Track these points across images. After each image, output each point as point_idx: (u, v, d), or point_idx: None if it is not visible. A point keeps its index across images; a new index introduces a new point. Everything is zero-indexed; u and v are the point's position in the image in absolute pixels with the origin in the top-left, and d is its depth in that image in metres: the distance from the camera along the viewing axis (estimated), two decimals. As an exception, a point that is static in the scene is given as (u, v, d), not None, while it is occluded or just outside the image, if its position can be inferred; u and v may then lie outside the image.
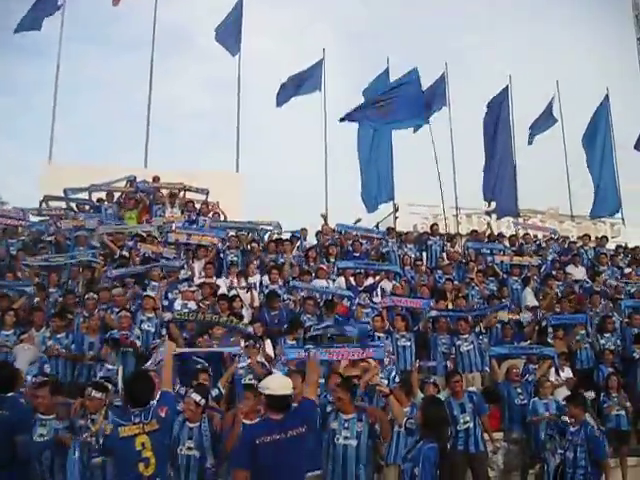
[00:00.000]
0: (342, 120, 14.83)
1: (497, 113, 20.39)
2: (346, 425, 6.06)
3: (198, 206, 14.49)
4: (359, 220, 15.39)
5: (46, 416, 6.39)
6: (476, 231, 16.15)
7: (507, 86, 20.67)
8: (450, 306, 11.24)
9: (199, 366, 7.99)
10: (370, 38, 46.62)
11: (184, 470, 6.13)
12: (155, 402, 4.91)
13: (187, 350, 8.15)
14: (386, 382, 7.80)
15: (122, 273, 11.09)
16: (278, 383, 4.89)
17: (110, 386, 6.99)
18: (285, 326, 9.87)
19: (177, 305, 10.23)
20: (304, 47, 46.78)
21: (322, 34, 44.53)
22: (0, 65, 45.52)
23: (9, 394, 5.68)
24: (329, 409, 6.37)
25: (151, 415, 4.74)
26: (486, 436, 8.04)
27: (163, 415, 4.79)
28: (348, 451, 5.98)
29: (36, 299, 10.21)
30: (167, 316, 9.64)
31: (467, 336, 10.03)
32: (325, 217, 15.21)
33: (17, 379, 6.09)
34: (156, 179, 15.30)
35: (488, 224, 17.59)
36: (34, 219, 13.77)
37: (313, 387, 5.37)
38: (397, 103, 14.69)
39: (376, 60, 21.14)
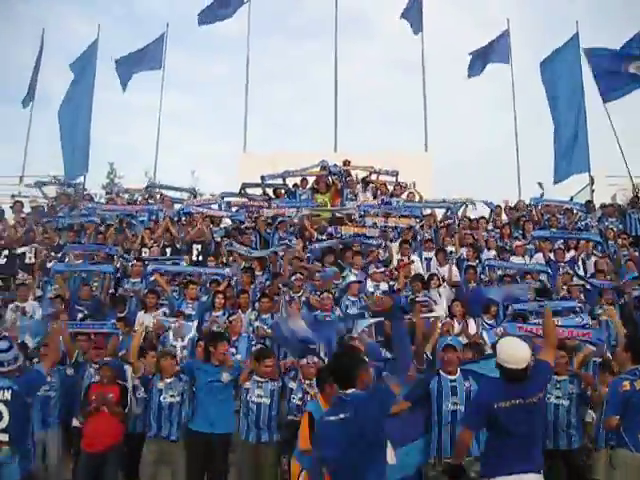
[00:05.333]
0: None
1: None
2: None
3: (390, 188, 14.79)
4: (541, 184, 14.92)
5: (263, 379, 7.05)
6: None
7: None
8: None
9: None
10: (556, 2, 43.90)
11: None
12: None
13: None
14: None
15: (324, 246, 11.73)
16: (520, 357, 4.70)
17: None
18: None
19: (369, 287, 10.41)
20: (486, 18, 45.16)
21: (504, 3, 42.83)
22: (189, 67, 48.52)
23: None
24: None
25: None
26: None
27: None
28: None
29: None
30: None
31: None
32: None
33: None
34: (347, 163, 15.62)
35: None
36: (234, 208, 14.49)
37: (552, 349, 5.19)
38: None
39: (563, 26, 20.16)
